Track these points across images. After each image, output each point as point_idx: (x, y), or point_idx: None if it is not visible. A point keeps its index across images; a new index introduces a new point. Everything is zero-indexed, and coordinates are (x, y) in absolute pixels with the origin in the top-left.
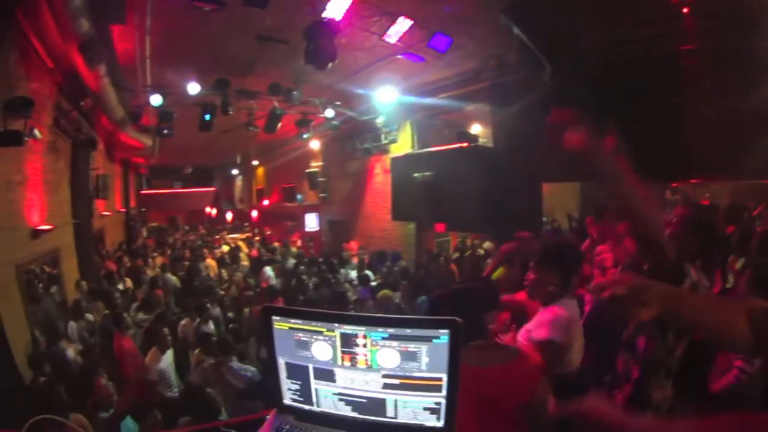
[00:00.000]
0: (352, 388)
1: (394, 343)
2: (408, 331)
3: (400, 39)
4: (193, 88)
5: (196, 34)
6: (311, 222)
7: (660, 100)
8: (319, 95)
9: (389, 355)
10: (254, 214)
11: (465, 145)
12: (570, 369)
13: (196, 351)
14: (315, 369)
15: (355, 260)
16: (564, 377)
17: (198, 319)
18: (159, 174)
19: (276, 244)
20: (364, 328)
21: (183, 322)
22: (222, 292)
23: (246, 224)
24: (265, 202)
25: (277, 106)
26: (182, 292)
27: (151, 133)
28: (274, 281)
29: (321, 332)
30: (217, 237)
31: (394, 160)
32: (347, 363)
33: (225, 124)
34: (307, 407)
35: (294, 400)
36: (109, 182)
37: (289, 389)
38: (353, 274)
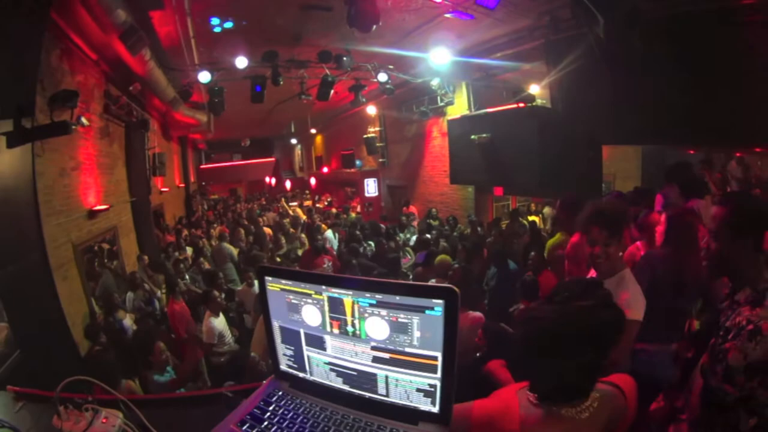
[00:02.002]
0: (342, 359)
1: (383, 312)
2: (397, 299)
3: None
4: (241, 62)
5: (237, 9)
6: (370, 187)
7: (722, 57)
8: (370, 60)
9: (378, 325)
10: (312, 181)
11: (522, 105)
12: None
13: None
14: (306, 335)
15: (415, 224)
16: None
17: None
18: (218, 148)
19: (333, 210)
20: (351, 293)
21: (239, 288)
22: (278, 260)
23: (306, 192)
24: (325, 170)
25: (328, 74)
26: (245, 259)
27: (205, 110)
28: (333, 244)
29: (310, 295)
30: (277, 206)
31: (451, 122)
32: (336, 330)
33: (280, 94)
34: (301, 375)
35: (289, 367)
36: (165, 160)
37: (284, 355)
38: (413, 239)
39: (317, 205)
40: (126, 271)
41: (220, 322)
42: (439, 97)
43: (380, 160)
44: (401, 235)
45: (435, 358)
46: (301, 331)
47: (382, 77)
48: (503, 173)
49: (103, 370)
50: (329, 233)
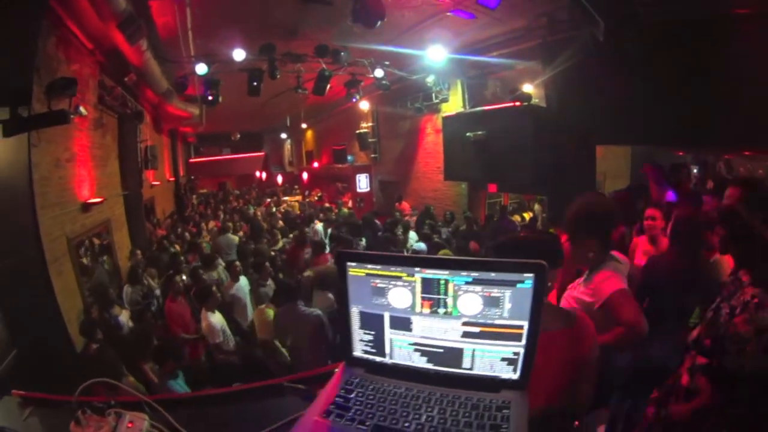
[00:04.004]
0: (430, 338)
1: (478, 288)
2: (493, 275)
3: None
4: (239, 54)
5: (237, 1)
6: (362, 183)
7: (716, 63)
8: (367, 56)
9: (471, 301)
10: (305, 176)
11: (518, 104)
12: None
13: (261, 306)
14: (391, 317)
15: (412, 219)
16: None
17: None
18: (207, 141)
19: (327, 204)
20: (447, 272)
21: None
22: (273, 253)
23: (296, 187)
24: (315, 165)
25: (325, 68)
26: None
27: (198, 103)
28: (322, 235)
29: (400, 278)
30: (267, 200)
31: (446, 119)
32: (426, 310)
33: (274, 88)
34: (378, 359)
35: (366, 352)
36: (157, 153)
37: (361, 340)
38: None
39: (307, 200)
40: (119, 265)
41: (218, 319)
42: (433, 94)
43: (372, 155)
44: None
45: (521, 327)
46: (386, 315)
47: (379, 73)
48: (497, 170)
49: (105, 368)
50: (320, 226)
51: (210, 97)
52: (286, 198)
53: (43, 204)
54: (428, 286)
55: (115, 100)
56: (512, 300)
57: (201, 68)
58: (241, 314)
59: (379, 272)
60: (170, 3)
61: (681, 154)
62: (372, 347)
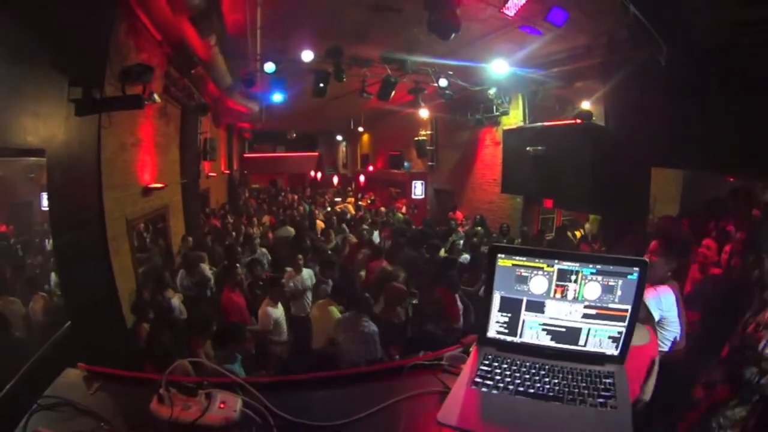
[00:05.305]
0: (557, 318)
1: (599, 278)
2: (611, 267)
3: (517, 12)
4: (307, 55)
5: (308, 3)
6: (417, 189)
7: None
8: (431, 65)
9: (594, 288)
10: (362, 179)
11: (579, 121)
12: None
13: (322, 301)
14: (528, 301)
15: (461, 230)
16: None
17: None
18: (262, 138)
19: (383, 209)
20: (578, 264)
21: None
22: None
23: (349, 189)
24: (370, 168)
25: (390, 74)
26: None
27: (259, 100)
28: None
29: (542, 268)
30: (321, 200)
31: (507, 132)
32: (558, 295)
33: (334, 91)
34: (509, 338)
35: (498, 332)
36: (216, 145)
37: (497, 322)
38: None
39: (359, 203)
40: (173, 251)
41: (277, 311)
42: (494, 107)
43: (429, 163)
44: (454, 236)
45: (626, 310)
46: (524, 299)
47: (443, 82)
48: (554, 186)
49: (161, 349)
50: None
51: (277, 96)
52: (338, 199)
53: (107, 184)
54: (563, 275)
55: (180, 91)
56: (622, 288)
57: (269, 66)
58: (300, 306)
59: (525, 263)
60: (242, 2)
61: (732, 180)
62: (505, 328)
